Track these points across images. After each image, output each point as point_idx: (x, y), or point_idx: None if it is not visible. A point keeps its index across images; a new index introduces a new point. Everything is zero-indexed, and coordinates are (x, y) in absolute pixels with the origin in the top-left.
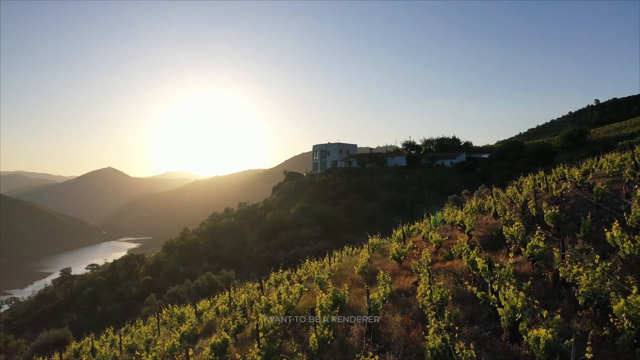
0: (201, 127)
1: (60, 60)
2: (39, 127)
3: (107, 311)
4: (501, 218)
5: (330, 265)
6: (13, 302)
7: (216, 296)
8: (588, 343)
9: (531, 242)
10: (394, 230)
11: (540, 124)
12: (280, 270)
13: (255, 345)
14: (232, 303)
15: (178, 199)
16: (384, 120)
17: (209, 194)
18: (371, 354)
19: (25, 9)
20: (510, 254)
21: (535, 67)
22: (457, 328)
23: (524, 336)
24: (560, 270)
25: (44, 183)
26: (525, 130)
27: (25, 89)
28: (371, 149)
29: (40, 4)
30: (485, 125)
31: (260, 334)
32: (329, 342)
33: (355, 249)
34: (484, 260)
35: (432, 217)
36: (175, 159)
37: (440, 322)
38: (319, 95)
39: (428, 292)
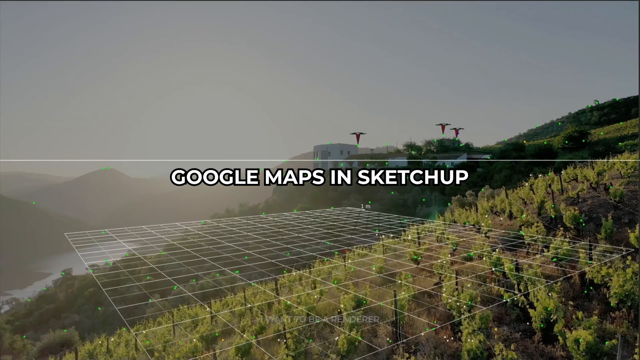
0: (201, 127)
1: (61, 60)
2: (39, 128)
3: (109, 312)
4: (517, 219)
5: (345, 266)
6: (14, 303)
7: (226, 297)
8: (637, 344)
9: (554, 243)
10: (404, 231)
11: (540, 125)
12: (294, 271)
13: (284, 347)
14: (246, 304)
15: (179, 199)
16: (385, 120)
17: (209, 194)
18: (407, 355)
19: (26, 8)
20: (538, 256)
21: (536, 67)
22: (495, 330)
23: (559, 337)
24: (587, 271)
25: (44, 183)
26: (525, 131)
27: (25, 88)
28: (372, 149)
29: (41, 4)
30: (486, 126)
31: (288, 335)
32: (356, 343)
33: (363, 249)
34: (510, 262)
35: (440, 217)
36: (174, 160)
37: (473, 323)
38: (319, 95)
39: (455, 293)
